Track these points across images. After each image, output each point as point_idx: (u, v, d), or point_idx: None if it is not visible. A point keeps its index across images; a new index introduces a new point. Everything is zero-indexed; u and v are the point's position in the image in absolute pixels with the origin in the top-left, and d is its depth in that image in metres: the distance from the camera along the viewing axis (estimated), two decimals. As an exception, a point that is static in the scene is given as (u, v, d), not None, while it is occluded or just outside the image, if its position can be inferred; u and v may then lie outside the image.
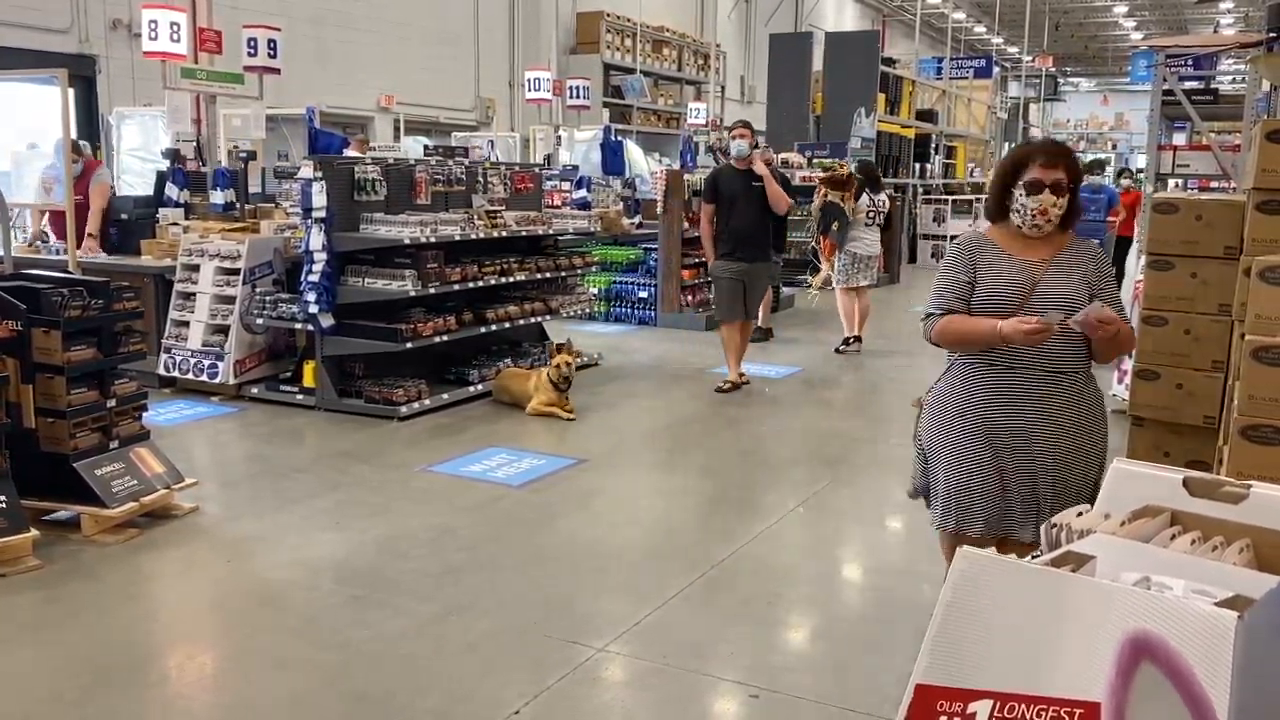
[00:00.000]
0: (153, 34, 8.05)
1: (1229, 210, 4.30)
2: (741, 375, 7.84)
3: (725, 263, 7.61)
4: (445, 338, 7.05)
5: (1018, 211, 3.06)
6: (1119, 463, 1.92)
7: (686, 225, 10.37)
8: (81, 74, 11.49)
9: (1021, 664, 1.41)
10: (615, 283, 10.98)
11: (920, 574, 4.31)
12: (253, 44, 8.53)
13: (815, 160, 14.52)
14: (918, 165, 19.60)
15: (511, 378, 7.17)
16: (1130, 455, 4.13)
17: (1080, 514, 1.75)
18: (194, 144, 8.72)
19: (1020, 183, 3.03)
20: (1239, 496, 1.74)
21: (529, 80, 15.15)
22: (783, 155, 15.35)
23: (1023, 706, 1.39)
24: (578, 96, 15.75)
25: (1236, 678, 1.23)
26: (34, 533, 4.20)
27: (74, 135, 7.73)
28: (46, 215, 8.37)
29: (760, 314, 10.06)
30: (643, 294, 10.77)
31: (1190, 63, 8.91)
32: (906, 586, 4.22)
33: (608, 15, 19.34)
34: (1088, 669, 1.35)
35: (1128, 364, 6.16)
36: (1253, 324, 3.07)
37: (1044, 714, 1.37)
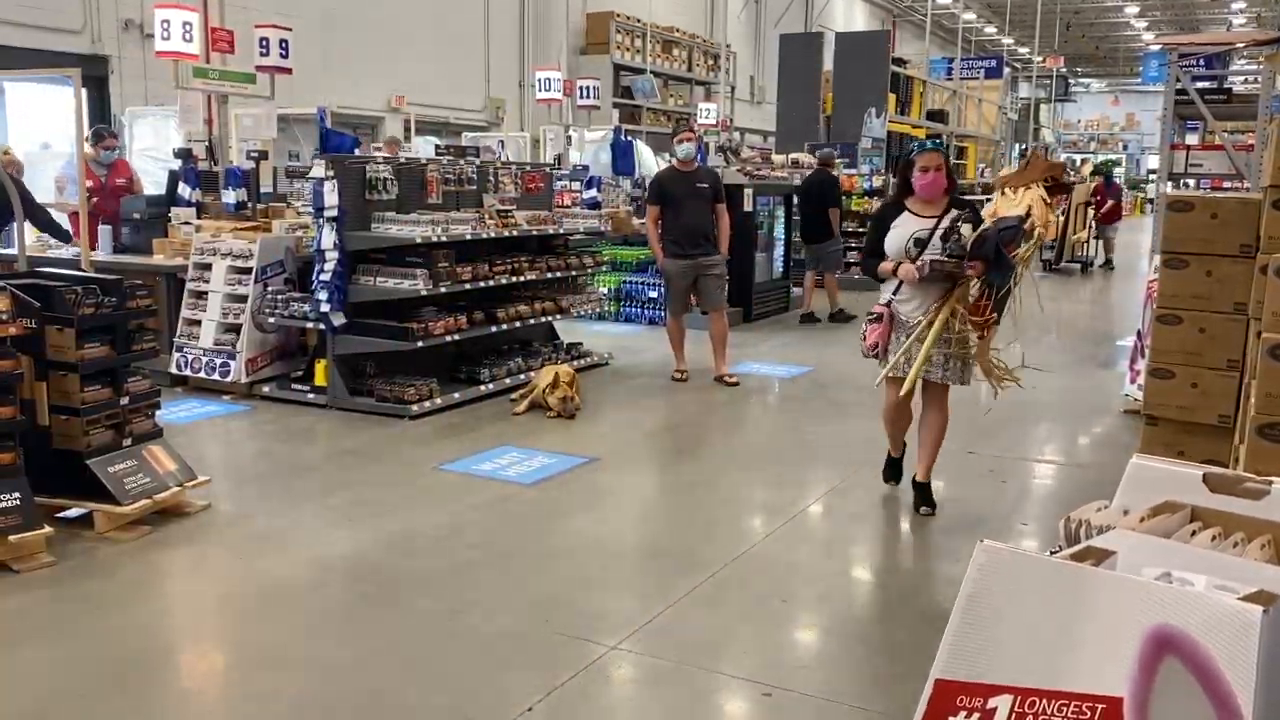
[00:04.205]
0: (165, 34, 8.09)
1: (1244, 208, 4.27)
2: (730, 377, 7.94)
3: (675, 260, 7.86)
4: (456, 337, 7.05)
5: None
6: (1137, 459, 1.90)
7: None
8: (94, 74, 11.54)
9: (1042, 659, 1.39)
10: (625, 282, 10.97)
11: (933, 573, 4.29)
12: (264, 44, 8.56)
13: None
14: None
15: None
16: (1144, 455, 4.10)
17: (1099, 509, 1.74)
18: (205, 143, 8.76)
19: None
20: (1260, 492, 1.72)
21: (539, 80, 15.18)
22: (793, 155, 15.35)
23: (1043, 701, 1.37)
24: (587, 97, 15.77)
25: (1262, 672, 1.22)
26: (47, 530, 4.22)
27: (84, 137, 7.75)
28: (66, 215, 8.43)
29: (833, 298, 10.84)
30: (652, 294, 10.75)
31: (1202, 62, 8.87)
32: (920, 585, 4.20)
33: (617, 16, 19.33)
34: (1109, 664, 1.34)
35: (1141, 363, 6.13)
36: (1269, 322, 3.05)
37: (1064, 709, 1.36)
